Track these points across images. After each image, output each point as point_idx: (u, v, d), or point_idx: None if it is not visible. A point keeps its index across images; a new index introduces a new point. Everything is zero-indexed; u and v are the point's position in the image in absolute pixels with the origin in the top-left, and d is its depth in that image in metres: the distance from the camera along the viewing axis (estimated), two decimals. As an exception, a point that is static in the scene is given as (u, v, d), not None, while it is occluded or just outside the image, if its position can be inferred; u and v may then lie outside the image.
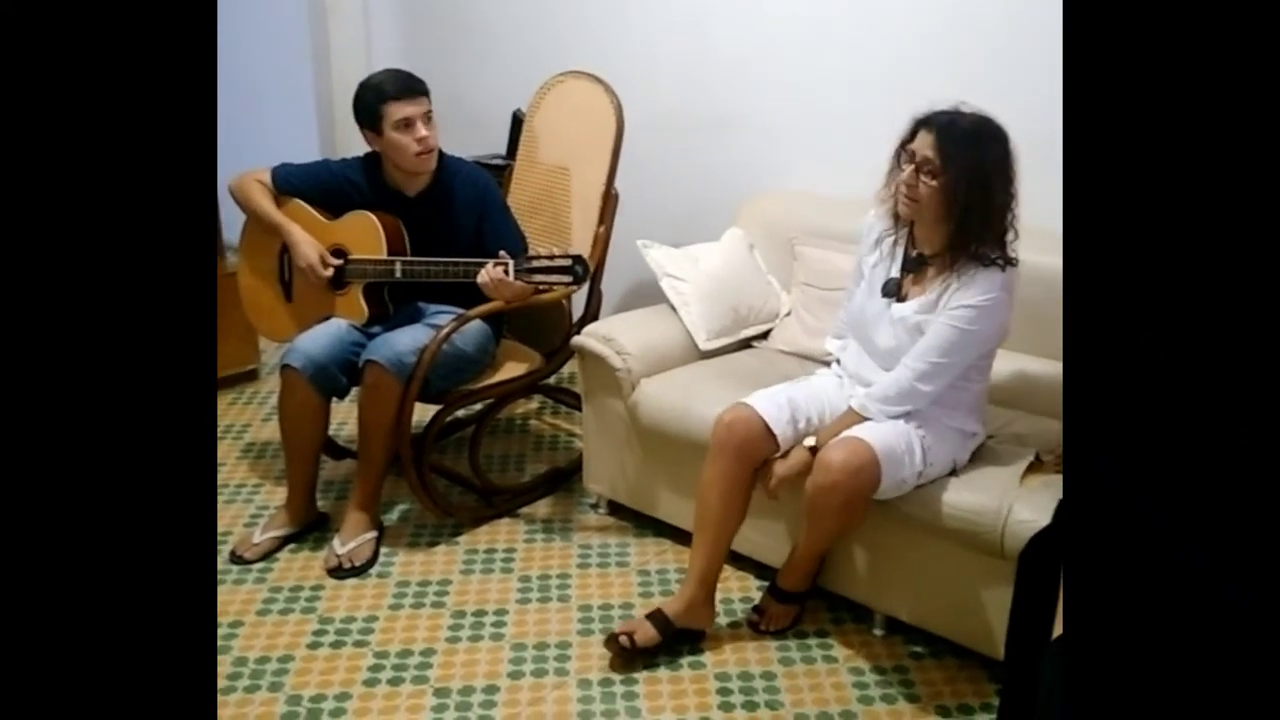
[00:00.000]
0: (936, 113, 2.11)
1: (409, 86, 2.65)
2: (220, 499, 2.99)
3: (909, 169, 2.11)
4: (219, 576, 2.60)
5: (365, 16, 4.27)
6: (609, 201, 2.94)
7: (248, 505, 2.96)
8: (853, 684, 2.24)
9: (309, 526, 2.80)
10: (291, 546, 2.73)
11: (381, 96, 2.63)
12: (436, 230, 2.73)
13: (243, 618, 2.44)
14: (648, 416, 2.64)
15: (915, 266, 2.24)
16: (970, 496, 2.15)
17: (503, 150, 3.60)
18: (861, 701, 2.19)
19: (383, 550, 2.72)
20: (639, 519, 2.86)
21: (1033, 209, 2.17)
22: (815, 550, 2.33)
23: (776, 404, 2.28)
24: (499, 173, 3.18)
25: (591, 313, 3.01)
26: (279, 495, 2.90)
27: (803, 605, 2.42)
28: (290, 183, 2.81)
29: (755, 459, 2.27)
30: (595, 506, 2.95)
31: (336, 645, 2.35)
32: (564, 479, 3.10)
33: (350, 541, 2.66)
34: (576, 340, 2.79)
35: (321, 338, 2.66)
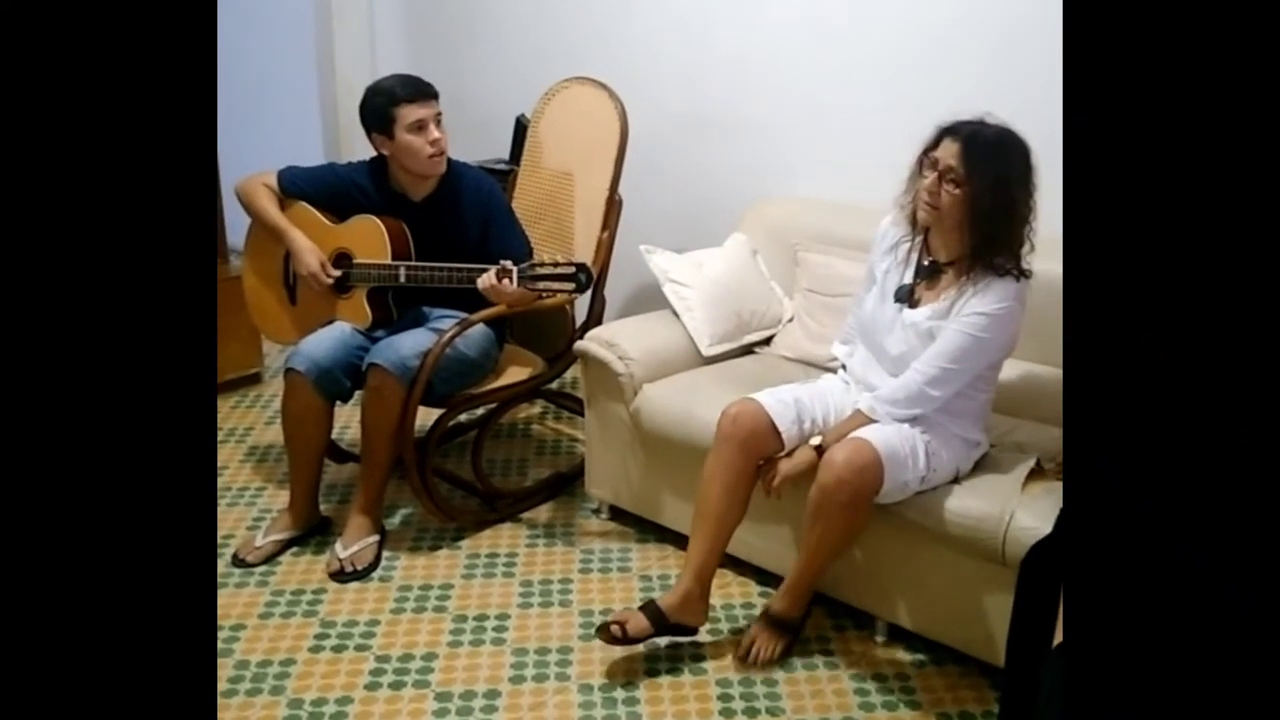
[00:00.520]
0: (962, 122, 2.11)
1: (420, 89, 2.67)
2: (222, 502, 3.00)
3: (931, 176, 2.12)
4: (221, 580, 2.60)
5: (370, 21, 4.29)
6: (613, 207, 2.95)
7: (250, 509, 2.96)
8: (854, 690, 2.24)
9: (311, 530, 2.80)
10: (294, 550, 2.74)
11: (393, 100, 2.64)
12: (442, 235, 2.74)
13: (245, 621, 2.44)
14: (650, 422, 2.64)
15: (929, 273, 2.25)
16: (972, 503, 2.15)
17: (506, 155, 3.61)
18: (863, 708, 2.18)
19: (385, 554, 2.72)
20: (641, 524, 2.85)
21: (1040, 217, 2.17)
22: (815, 564, 2.26)
23: (782, 401, 2.28)
24: (502, 177, 3.18)
25: (594, 318, 3.01)
26: (281, 499, 2.90)
27: (794, 637, 2.34)
28: (296, 185, 2.82)
29: (759, 453, 2.27)
30: (597, 511, 2.95)
31: (338, 649, 2.35)
32: (566, 484, 3.11)
33: (352, 545, 2.66)
34: (579, 345, 2.79)
35: (325, 341, 2.67)
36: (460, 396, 2.75)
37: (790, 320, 2.97)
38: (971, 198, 2.09)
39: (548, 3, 3.79)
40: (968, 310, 2.15)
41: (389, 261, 2.69)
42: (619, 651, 2.33)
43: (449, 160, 2.77)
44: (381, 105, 2.66)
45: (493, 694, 2.21)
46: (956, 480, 2.23)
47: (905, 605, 2.33)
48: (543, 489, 3.07)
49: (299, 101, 4.53)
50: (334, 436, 2.88)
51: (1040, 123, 2.14)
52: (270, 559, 2.69)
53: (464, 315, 2.69)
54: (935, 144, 2.13)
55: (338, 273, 2.73)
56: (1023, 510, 2.08)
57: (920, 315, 2.23)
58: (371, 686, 2.23)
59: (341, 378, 2.66)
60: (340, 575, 2.62)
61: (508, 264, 2.53)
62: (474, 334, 2.69)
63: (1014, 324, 2.18)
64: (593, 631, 2.41)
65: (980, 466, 2.27)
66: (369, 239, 2.71)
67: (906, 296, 2.27)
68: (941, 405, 2.20)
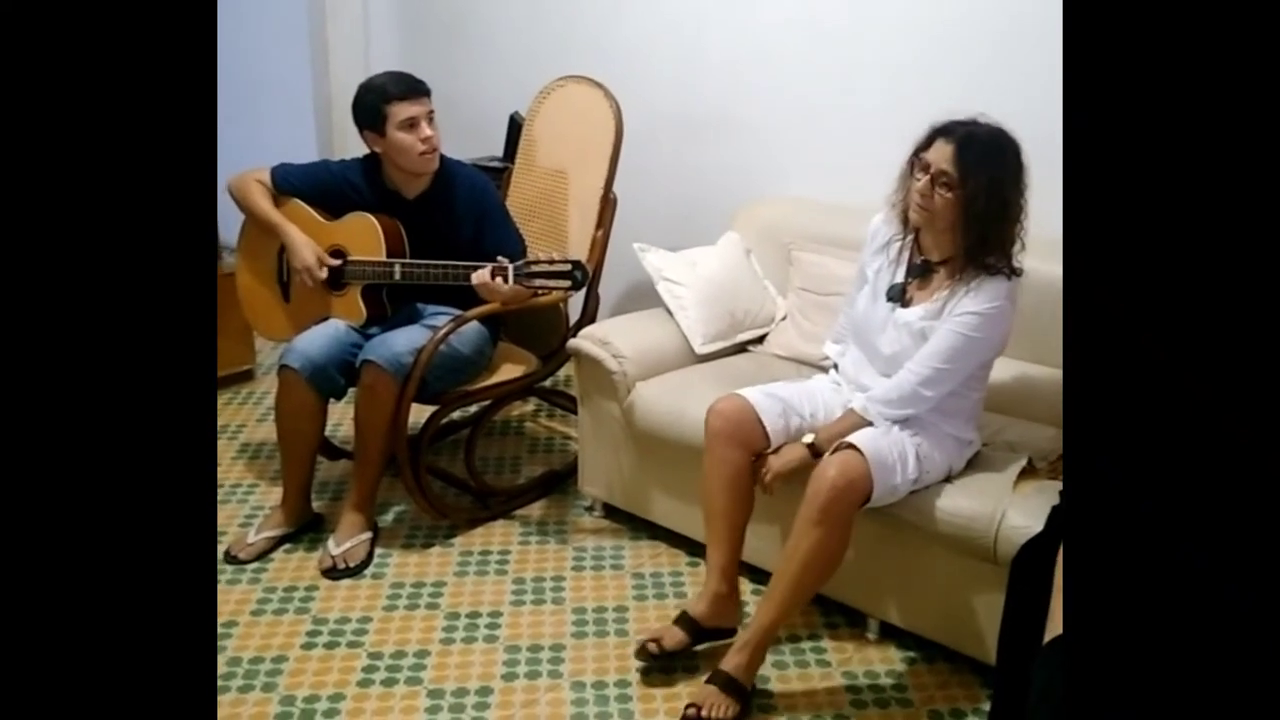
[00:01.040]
0: (955, 122, 2.11)
1: (412, 87, 2.66)
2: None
3: (924, 178, 2.11)
4: (213, 576, 2.60)
5: (364, 19, 4.28)
6: (607, 205, 2.95)
7: (243, 505, 2.96)
8: (846, 688, 2.24)
9: (304, 527, 2.79)
10: (286, 547, 2.73)
11: (385, 97, 2.64)
12: (435, 232, 2.73)
13: (237, 618, 2.43)
14: (643, 420, 2.65)
15: (921, 272, 2.25)
16: (963, 502, 2.16)
17: (499, 153, 3.61)
18: (854, 705, 2.19)
19: (377, 551, 2.72)
20: (634, 522, 2.86)
21: (1031, 216, 2.18)
22: (790, 601, 2.14)
23: (768, 396, 2.29)
24: (496, 175, 3.18)
25: (588, 316, 3.01)
26: (274, 495, 2.90)
27: (746, 704, 2.12)
28: (290, 182, 2.82)
29: (750, 447, 2.27)
30: (590, 509, 2.95)
31: (331, 646, 2.35)
32: (559, 481, 3.11)
33: (345, 542, 2.66)
34: (573, 343, 2.80)
35: (319, 338, 2.66)
36: (454, 394, 2.75)
37: (783, 319, 2.97)
38: (966, 201, 2.08)
39: (541, 2, 3.80)
40: (960, 310, 2.15)
41: (383, 258, 2.69)
42: (612, 649, 2.34)
43: (442, 158, 2.77)
44: (373, 102, 2.65)
45: (485, 691, 2.21)
46: (949, 479, 2.23)
47: (897, 603, 2.34)
48: (535, 486, 3.07)
49: (293, 99, 4.52)
50: (327, 433, 2.88)
51: (1040, 123, 2.15)
52: (262, 556, 2.68)
53: (458, 312, 2.69)
54: (927, 145, 2.12)
55: (334, 263, 2.73)
56: (1014, 509, 2.09)
57: (913, 315, 2.23)
58: (364, 684, 2.23)
59: (335, 375, 2.66)
60: (333, 572, 2.62)
61: (504, 261, 2.53)
62: (468, 331, 2.69)
63: (1006, 323, 2.18)
64: (585, 629, 2.41)
65: (972, 465, 2.28)
66: (363, 236, 2.71)
67: (899, 296, 2.27)
68: (935, 405, 2.20)
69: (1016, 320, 2.23)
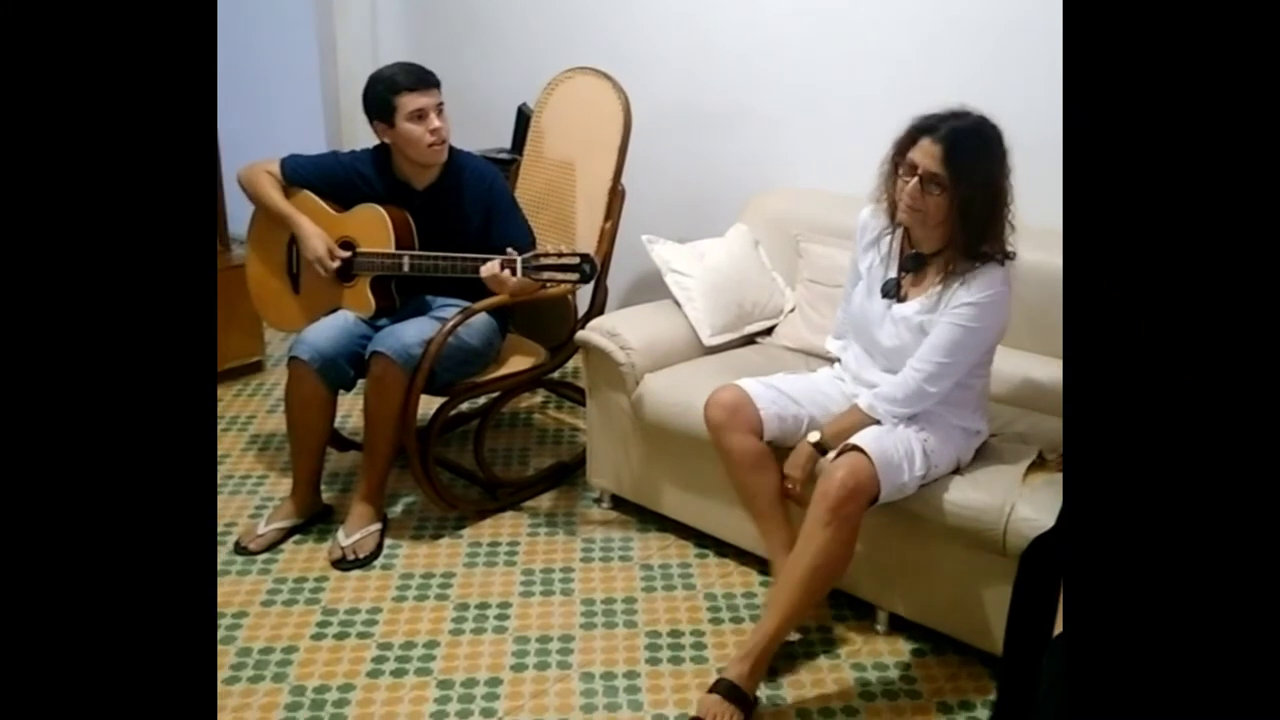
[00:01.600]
0: (937, 118, 2.06)
1: (421, 78, 2.66)
2: (225, 491, 3.00)
3: (913, 181, 2.07)
4: (223, 568, 2.61)
5: (372, 10, 4.29)
6: (615, 197, 2.95)
7: (252, 497, 2.97)
8: (855, 680, 2.25)
9: (314, 518, 2.81)
10: (296, 538, 2.74)
11: (394, 88, 2.64)
12: (445, 224, 2.74)
13: (247, 609, 2.45)
14: (651, 411, 2.65)
15: (914, 265, 2.24)
16: (973, 495, 2.15)
17: (507, 144, 3.61)
18: (863, 697, 2.20)
19: (387, 542, 2.73)
20: (642, 513, 2.86)
21: (1033, 208, 2.17)
22: (795, 608, 2.12)
23: (763, 384, 2.30)
24: (504, 167, 3.18)
25: (596, 307, 3.01)
26: (284, 487, 2.91)
27: (749, 713, 2.09)
28: (299, 174, 2.82)
29: (755, 429, 2.27)
30: (598, 501, 2.96)
31: (340, 637, 2.36)
32: (568, 473, 3.11)
33: (355, 533, 2.67)
34: (581, 335, 2.80)
35: (329, 330, 2.67)
36: (462, 385, 2.76)
37: (792, 311, 2.97)
38: (961, 202, 2.06)
39: (550, -8, 3.79)
40: (956, 302, 2.14)
41: (393, 250, 2.69)
42: (620, 639, 2.34)
43: (451, 149, 2.77)
44: (382, 93, 2.66)
45: (494, 682, 2.22)
46: (958, 470, 2.23)
47: (906, 595, 2.34)
48: (544, 478, 3.08)
49: (301, 90, 4.53)
50: (336, 425, 2.89)
51: (1041, 118, 2.14)
52: (272, 547, 2.69)
53: (467, 304, 2.69)
54: (911, 143, 2.08)
55: (346, 254, 2.73)
56: (1023, 502, 2.09)
57: (910, 309, 2.22)
58: (374, 674, 2.24)
59: (345, 366, 2.66)
60: (342, 563, 2.63)
61: (513, 253, 2.54)
62: (476, 323, 2.70)
63: (1004, 308, 2.16)
64: (594, 620, 2.42)
65: (982, 457, 2.28)
66: (373, 228, 2.71)
67: (894, 291, 2.25)
68: (940, 398, 2.20)
69: (1026, 313, 2.22)
